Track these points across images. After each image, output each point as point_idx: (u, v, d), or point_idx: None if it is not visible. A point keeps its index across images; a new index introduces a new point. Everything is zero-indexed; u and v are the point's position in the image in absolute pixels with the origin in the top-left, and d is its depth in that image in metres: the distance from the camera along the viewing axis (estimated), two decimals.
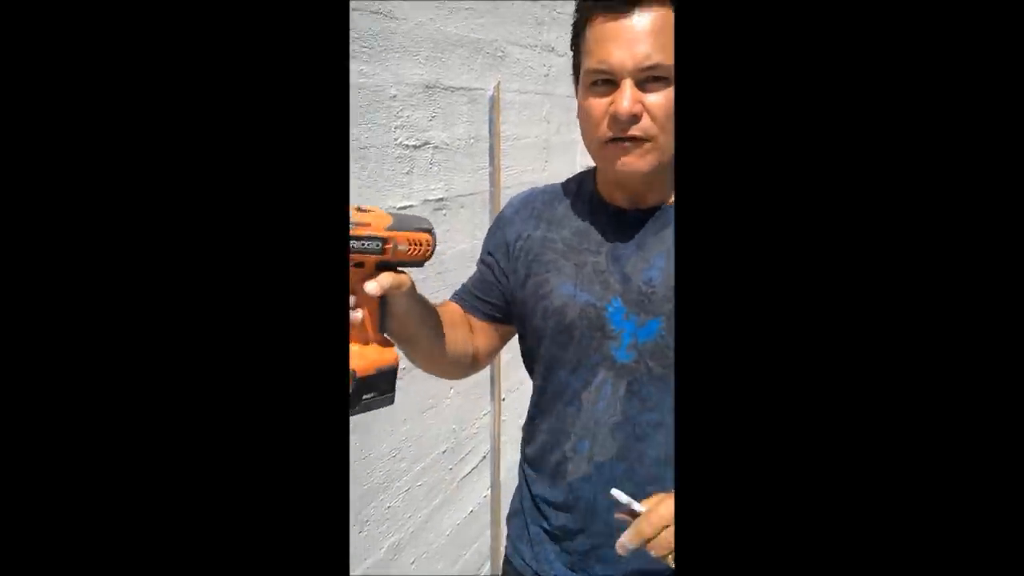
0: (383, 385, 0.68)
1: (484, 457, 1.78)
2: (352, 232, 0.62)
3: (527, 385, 2.17)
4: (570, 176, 0.91)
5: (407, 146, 1.30)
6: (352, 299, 0.64)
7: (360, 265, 0.65)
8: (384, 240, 0.65)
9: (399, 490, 1.40)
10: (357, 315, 0.65)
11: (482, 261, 0.91)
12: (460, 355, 0.86)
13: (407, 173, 1.31)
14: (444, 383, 1.53)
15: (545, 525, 0.87)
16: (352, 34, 1.12)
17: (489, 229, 0.93)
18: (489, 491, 1.81)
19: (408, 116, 1.29)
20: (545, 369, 0.84)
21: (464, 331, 0.88)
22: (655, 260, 0.77)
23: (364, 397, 0.66)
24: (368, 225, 0.64)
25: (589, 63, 0.74)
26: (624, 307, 0.78)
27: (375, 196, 1.22)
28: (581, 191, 0.87)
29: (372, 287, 0.64)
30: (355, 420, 1.23)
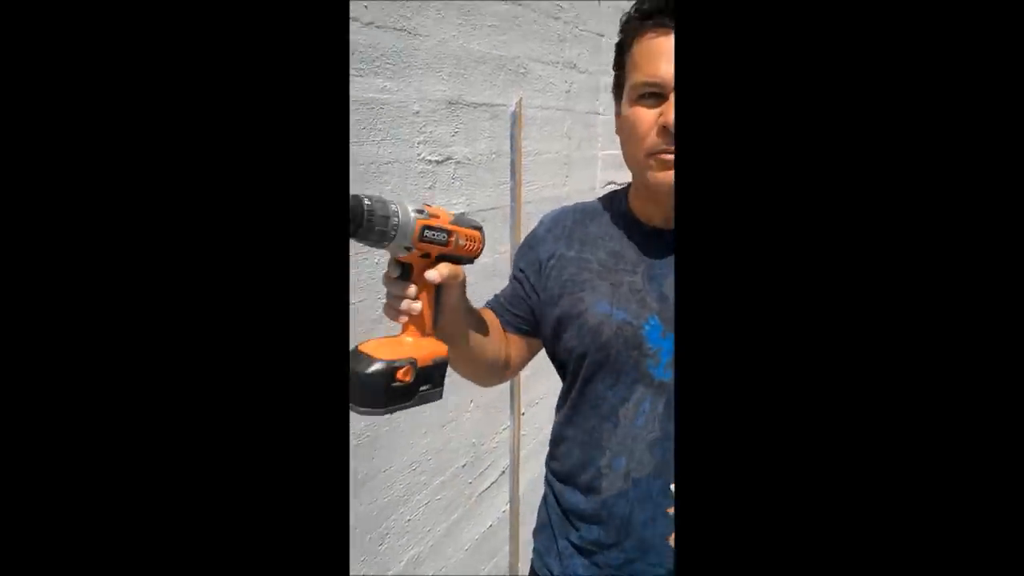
0: (437, 377, 0.69)
1: (503, 472, 1.77)
2: (425, 223, 0.65)
3: (547, 400, 2.16)
4: (600, 195, 0.92)
5: (430, 161, 1.32)
6: (412, 289, 0.67)
7: (426, 256, 0.67)
8: (449, 233, 0.68)
9: (419, 503, 1.40)
10: (417, 306, 0.67)
11: (514, 276, 0.93)
12: (494, 359, 0.88)
13: (429, 188, 1.33)
14: (464, 397, 1.53)
15: (575, 539, 0.87)
16: (376, 51, 1.14)
17: (520, 246, 0.95)
18: (508, 506, 1.80)
19: (431, 132, 1.31)
20: (581, 385, 0.85)
21: (499, 337, 0.90)
22: None
23: (421, 388, 0.67)
24: (438, 218, 0.67)
25: (638, 77, 0.75)
26: (661, 325, 0.79)
27: None
28: (613, 210, 0.88)
29: (433, 275, 0.67)
30: (375, 433, 1.24)
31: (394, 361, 0.64)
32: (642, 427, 0.80)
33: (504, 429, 1.76)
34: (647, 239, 0.83)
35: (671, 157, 0.74)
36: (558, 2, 1.80)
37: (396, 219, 0.62)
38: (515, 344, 0.92)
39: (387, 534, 1.31)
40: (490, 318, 0.90)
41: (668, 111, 0.72)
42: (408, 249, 0.65)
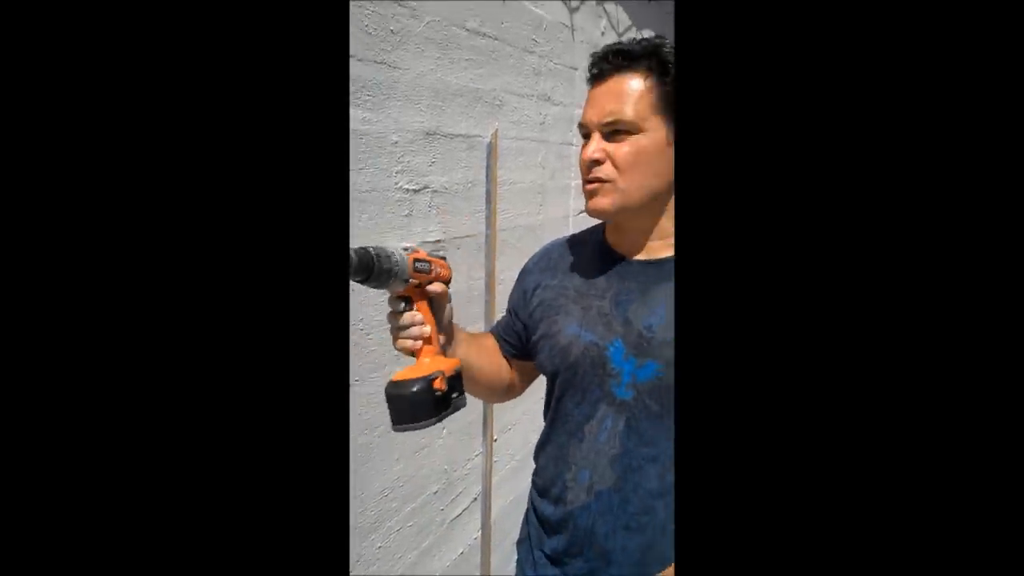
0: (460, 385, 0.79)
1: (475, 499, 1.77)
2: (414, 256, 0.76)
3: (519, 426, 2.16)
4: (572, 223, 0.99)
5: (407, 190, 1.34)
6: (419, 315, 0.77)
7: (419, 285, 0.78)
8: (430, 263, 0.79)
9: (390, 530, 1.40)
10: (427, 328, 0.78)
11: (507, 308, 1.02)
12: (493, 376, 0.99)
13: (407, 215, 1.35)
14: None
15: (547, 549, 0.93)
16: (357, 83, 1.17)
17: (516, 279, 1.03)
18: (480, 532, 1.80)
19: (409, 161, 1.34)
20: (555, 401, 0.92)
21: (498, 357, 1.01)
22: (657, 309, 0.84)
23: (452, 396, 0.76)
24: (419, 252, 0.78)
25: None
26: (624, 348, 0.84)
27: (377, 237, 1.25)
28: (592, 240, 0.95)
29: (435, 287, 0.79)
30: (353, 457, 1.24)
31: (428, 375, 0.74)
32: (604, 443, 0.85)
33: (476, 455, 1.76)
34: (616, 267, 0.89)
35: (589, 187, 0.84)
36: (533, 37, 1.86)
37: (396, 258, 0.72)
38: (515, 366, 1.02)
39: (358, 561, 1.30)
40: (490, 341, 1.02)
41: (586, 147, 0.83)
42: (406, 282, 0.75)
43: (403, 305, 0.77)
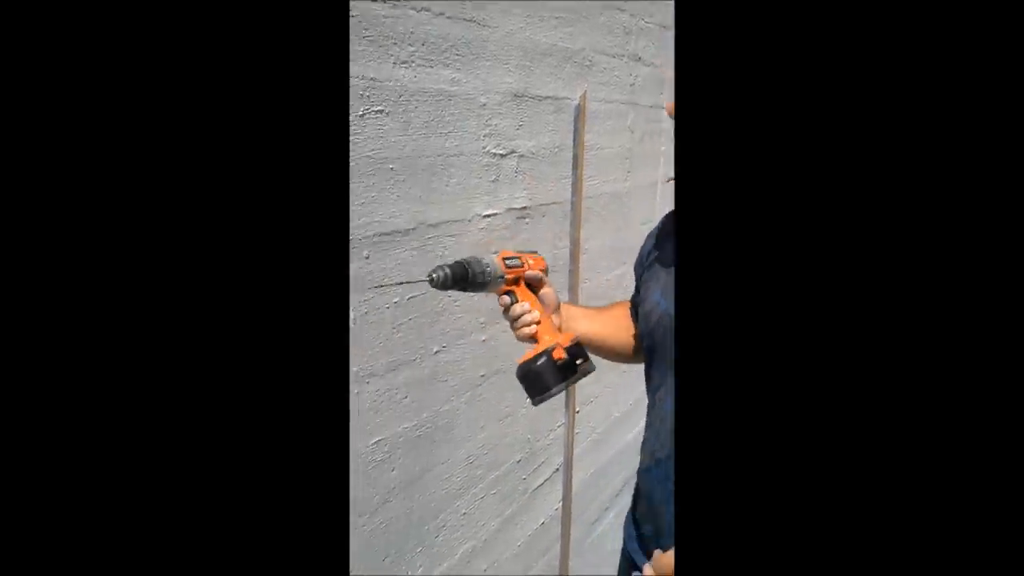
0: (582, 353, 0.89)
1: (557, 470, 1.76)
2: (503, 255, 0.87)
3: (601, 399, 2.13)
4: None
5: (495, 154, 1.31)
6: (527, 304, 0.87)
7: (516, 280, 0.89)
8: (519, 258, 0.90)
9: (475, 497, 1.40)
10: (536, 313, 0.87)
11: None
12: (627, 343, 1.06)
13: (494, 181, 1.32)
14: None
15: (637, 507, 0.98)
16: (446, 42, 1.13)
17: None
18: (560, 504, 1.79)
19: (497, 124, 1.30)
20: (646, 366, 0.96)
21: (624, 326, 1.07)
22: None
23: (577, 362, 0.86)
24: (506, 251, 0.89)
25: None
26: None
27: (463, 203, 1.23)
28: None
29: (530, 274, 0.89)
30: (434, 425, 1.24)
31: (547, 349, 0.85)
32: (668, 412, 0.86)
33: (559, 426, 1.74)
34: None
35: None
36: None
37: (486, 261, 0.83)
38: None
39: (443, 526, 1.31)
40: (620, 310, 1.09)
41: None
42: (503, 279, 0.85)
43: (509, 300, 0.87)
